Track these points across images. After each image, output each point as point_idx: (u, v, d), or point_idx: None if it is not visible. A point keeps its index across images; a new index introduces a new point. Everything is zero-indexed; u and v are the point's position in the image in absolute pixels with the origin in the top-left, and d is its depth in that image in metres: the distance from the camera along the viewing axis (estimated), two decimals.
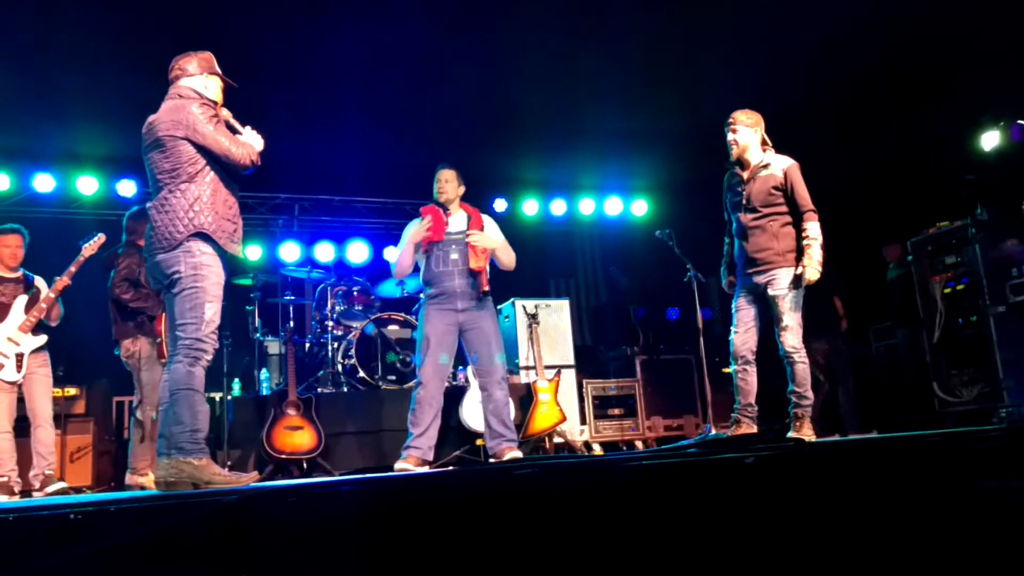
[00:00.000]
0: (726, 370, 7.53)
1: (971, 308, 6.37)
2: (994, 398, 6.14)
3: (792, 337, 4.45)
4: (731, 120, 4.67)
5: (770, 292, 4.49)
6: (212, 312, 3.55)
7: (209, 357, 3.57)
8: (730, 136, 4.65)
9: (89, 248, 5.35)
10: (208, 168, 3.61)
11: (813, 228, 4.46)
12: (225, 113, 3.84)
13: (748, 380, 4.60)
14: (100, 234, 5.45)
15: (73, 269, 5.27)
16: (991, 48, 6.57)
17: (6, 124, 6.98)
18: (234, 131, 3.80)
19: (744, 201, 4.59)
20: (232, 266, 3.81)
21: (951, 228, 6.57)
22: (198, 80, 3.76)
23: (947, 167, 7.58)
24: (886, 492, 2.48)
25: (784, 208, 4.54)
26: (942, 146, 7.76)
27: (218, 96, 3.83)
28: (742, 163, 4.67)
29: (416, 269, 5.15)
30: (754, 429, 4.60)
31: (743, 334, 4.60)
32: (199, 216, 3.54)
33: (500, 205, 9.35)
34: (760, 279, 4.54)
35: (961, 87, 7.10)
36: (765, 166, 4.58)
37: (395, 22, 5.88)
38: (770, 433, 5.24)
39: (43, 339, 5.33)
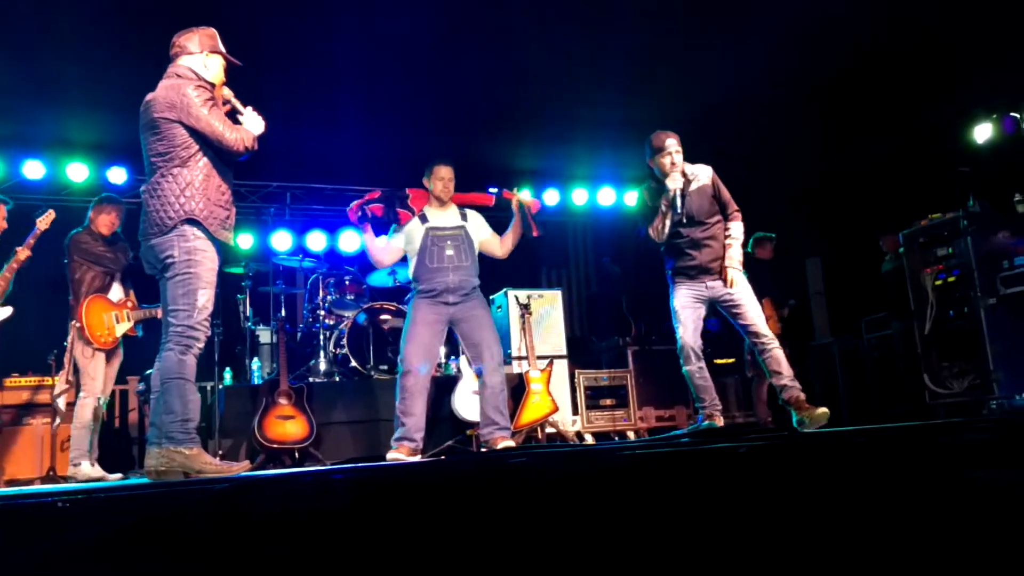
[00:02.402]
0: (718, 360, 7.53)
1: (962, 300, 6.38)
2: (984, 390, 6.17)
3: (763, 327, 4.60)
4: (675, 143, 4.66)
5: (732, 290, 4.60)
6: (205, 299, 3.50)
7: (201, 345, 3.52)
8: (677, 158, 4.65)
9: (42, 221, 5.37)
10: (201, 153, 3.55)
11: (737, 228, 4.67)
12: (227, 92, 3.75)
13: (707, 376, 4.73)
14: (50, 209, 5.48)
15: (32, 241, 5.28)
16: (984, 40, 6.56)
17: None
18: (236, 111, 3.73)
19: (686, 219, 4.63)
20: (223, 254, 3.76)
21: (943, 220, 6.58)
22: (198, 59, 3.68)
23: (940, 159, 7.59)
24: (877, 481, 2.49)
25: (719, 214, 4.70)
26: (935, 138, 7.77)
27: (219, 76, 3.74)
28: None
29: (404, 259, 5.12)
30: (722, 422, 4.74)
31: (693, 333, 4.69)
32: (190, 202, 3.48)
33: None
34: (715, 282, 4.64)
35: (954, 79, 7.10)
36: (694, 178, 4.68)
37: (392, 11, 5.84)
38: (770, 425, 5.28)
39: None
